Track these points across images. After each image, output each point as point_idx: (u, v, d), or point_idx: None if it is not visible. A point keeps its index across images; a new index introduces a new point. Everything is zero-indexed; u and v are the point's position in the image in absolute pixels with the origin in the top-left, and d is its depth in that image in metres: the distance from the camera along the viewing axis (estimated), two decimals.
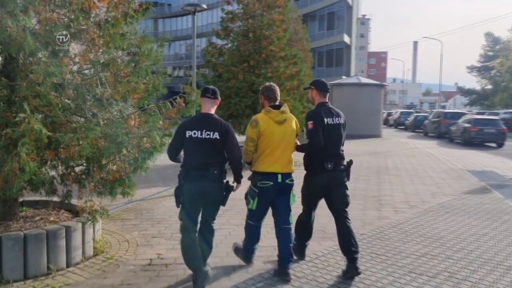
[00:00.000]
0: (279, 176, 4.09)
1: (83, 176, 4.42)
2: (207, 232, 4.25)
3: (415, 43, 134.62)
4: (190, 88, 5.04)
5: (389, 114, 42.56)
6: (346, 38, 40.93)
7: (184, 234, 4.03)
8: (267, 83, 4.41)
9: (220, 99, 4.17)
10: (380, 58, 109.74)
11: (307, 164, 4.41)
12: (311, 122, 4.18)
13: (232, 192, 4.12)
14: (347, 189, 4.42)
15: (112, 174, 4.26)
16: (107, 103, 4.56)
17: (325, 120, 4.22)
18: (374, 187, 9.23)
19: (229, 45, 12.70)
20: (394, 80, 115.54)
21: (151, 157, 4.37)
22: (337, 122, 4.31)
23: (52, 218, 4.90)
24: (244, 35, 12.33)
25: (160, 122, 5.01)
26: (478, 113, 32.28)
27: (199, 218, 4.12)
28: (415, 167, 12.49)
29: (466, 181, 10.23)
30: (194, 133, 3.86)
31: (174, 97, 5.03)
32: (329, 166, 4.21)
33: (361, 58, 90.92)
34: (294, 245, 4.52)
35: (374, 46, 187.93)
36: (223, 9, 12.52)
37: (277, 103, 4.25)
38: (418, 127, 31.04)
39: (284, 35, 12.48)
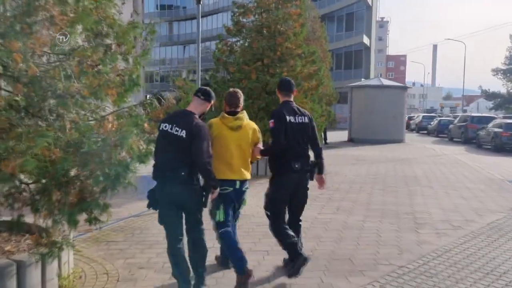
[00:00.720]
0: (238, 183, 4.05)
1: (37, 197, 3.35)
2: (196, 247, 3.76)
3: (435, 46, 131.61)
4: (183, 80, 3.97)
5: (410, 118, 40.89)
6: (366, 39, 39.51)
7: (167, 241, 3.75)
8: (231, 89, 4.29)
9: (211, 102, 3.82)
10: (399, 61, 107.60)
11: (274, 165, 4.28)
12: (272, 120, 4.14)
13: (210, 196, 3.69)
14: (308, 189, 4.39)
15: (73, 195, 3.19)
16: (73, 101, 3.50)
17: (288, 118, 4.14)
18: (406, 201, 8.00)
19: (241, 42, 11.63)
20: (414, 84, 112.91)
21: (126, 172, 3.28)
22: (301, 121, 4.23)
23: (8, 248, 3.84)
24: (258, 31, 11.25)
25: (146, 124, 3.98)
26: (504, 117, 30.63)
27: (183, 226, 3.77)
28: (447, 176, 11.19)
29: (510, 194, 8.92)
30: (165, 126, 3.56)
31: (162, 92, 3.99)
32: (297, 166, 4.14)
33: (380, 61, 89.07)
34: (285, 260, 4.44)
35: (392, 49, 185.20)
36: (235, 3, 11.46)
37: (238, 110, 4.14)
38: (442, 132, 29.71)
39: (301, 31, 11.34)
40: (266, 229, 5.69)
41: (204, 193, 3.64)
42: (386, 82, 24.92)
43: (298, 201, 4.35)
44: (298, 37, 11.28)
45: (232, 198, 4.04)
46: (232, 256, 3.95)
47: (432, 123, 33.29)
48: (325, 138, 19.90)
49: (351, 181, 10.18)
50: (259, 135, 4.25)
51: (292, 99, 4.36)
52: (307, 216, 6.84)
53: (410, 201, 8.05)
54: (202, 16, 52.03)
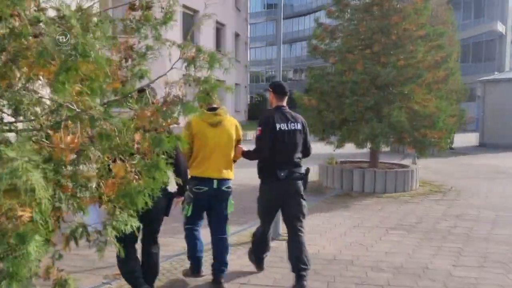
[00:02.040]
0: (215, 182, 3.92)
1: None
2: (152, 249, 3.69)
3: None
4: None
5: None
6: (500, 27, 33.85)
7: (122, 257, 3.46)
8: None
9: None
10: None
11: (260, 172, 4.18)
12: (260, 128, 4.10)
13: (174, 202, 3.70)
14: (304, 199, 4.14)
15: None
16: None
17: (277, 125, 4.03)
18: None
19: (345, 25, 9.41)
20: None
21: (27, 249, 1.44)
22: (293, 128, 4.10)
23: None
24: (366, 10, 8.95)
25: (136, 136, 2.20)
26: None
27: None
28: None
29: None
30: None
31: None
32: (282, 174, 4.00)
33: None
34: (252, 258, 4.51)
35: None
36: None
37: (214, 105, 3.95)
38: None
39: (425, 6, 8.73)
40: (335, 269, 3.82)
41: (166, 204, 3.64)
42: None
43: (289, 211, 4.12)
44: (421, 14, 8.70)
45: (207, 199, 3.95)
46: (190, 253, 4.05)
47: None
48: (451, 143, 16.51)
49: (495, 206, 7.36)
50: (241, 132, 4.20)
51: (285, 103, 4.22)
52: (433, 269, 4.52)
53: None
54: (307, 14, 50.14)
